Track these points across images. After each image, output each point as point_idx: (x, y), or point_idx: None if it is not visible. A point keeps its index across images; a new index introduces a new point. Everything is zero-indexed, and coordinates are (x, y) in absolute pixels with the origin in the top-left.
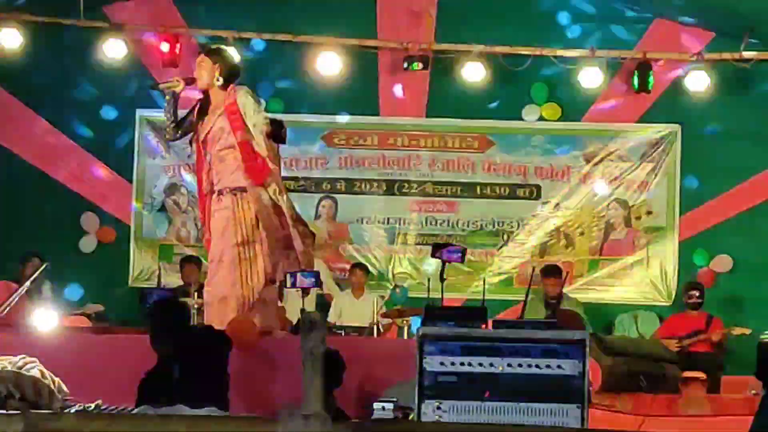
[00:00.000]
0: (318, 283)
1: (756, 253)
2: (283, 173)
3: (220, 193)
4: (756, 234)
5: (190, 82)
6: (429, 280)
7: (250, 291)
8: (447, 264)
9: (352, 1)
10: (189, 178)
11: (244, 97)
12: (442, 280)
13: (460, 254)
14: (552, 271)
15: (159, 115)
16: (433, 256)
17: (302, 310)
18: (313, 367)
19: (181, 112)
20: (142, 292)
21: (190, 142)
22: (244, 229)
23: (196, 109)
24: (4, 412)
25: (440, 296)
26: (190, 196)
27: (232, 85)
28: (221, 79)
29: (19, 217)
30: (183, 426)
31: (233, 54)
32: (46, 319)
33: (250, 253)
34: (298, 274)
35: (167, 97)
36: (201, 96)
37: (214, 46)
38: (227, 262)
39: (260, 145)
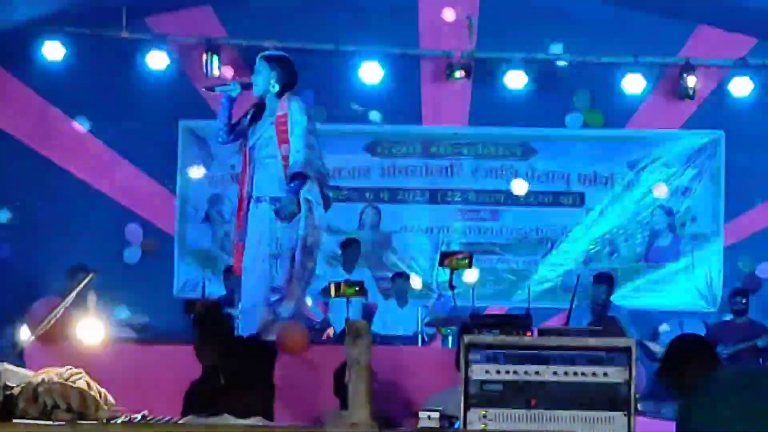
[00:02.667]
0: (363, 292)
1: None
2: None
3: (258, 200)
4: None
5: (246, 86)
6: (473, 288)
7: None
8: (455, 272)
9: (394, 10)
10: (233, 188)
11: (296, 112)
12: (452, 287)
13: (467, 260)
14: (604, 278)
15: (202, 125)
16: (440, 265)
17: (347, 319)
18: (358, 375)
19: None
20: (187, 302)
21: (240, 147)
22: (278, 239)
23: (249, 114)
24: (51, 422)
25: (454, 303)
26: (234, 206)
27: (286, 95)
28: (277, 86)
29: (63, 230)
30: None
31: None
32: (91, 330)
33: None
34: (343, 283)
35: (222, 101)
36: (257, 101)
37: (273, 53)
38: (258, 271)
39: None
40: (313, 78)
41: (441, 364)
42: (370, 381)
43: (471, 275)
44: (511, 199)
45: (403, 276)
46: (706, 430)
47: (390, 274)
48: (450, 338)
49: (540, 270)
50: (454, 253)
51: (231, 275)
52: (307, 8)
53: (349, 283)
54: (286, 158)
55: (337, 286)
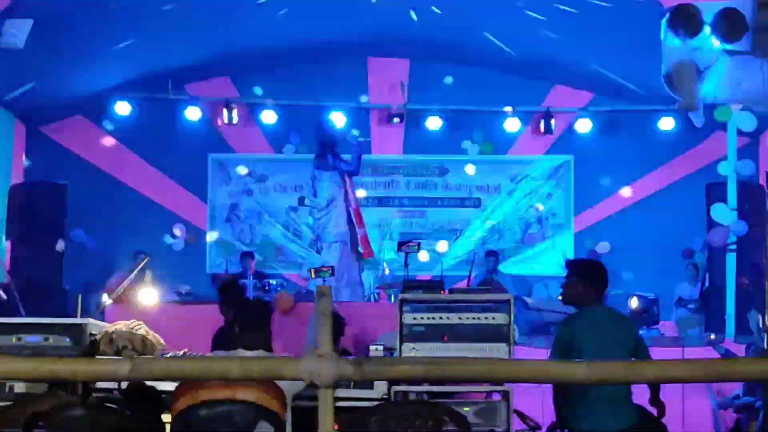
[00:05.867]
0: (333, 273)
1: (624, 239)
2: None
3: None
4: (624, 227)
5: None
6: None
7: None
8: (408, 254)
9: (352, 77)
10: (246, 199)
11: None
12: (406, 265)
13: (417, 246)
14: (492, 252)
15: (224, 157)
16: (398, 250)
17: (317, 286)
18: (324, 323)
19: None
20: (214, 276)
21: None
22: None
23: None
24: (119, 357)
25: (408, 274)
26: (246, 211)
27: None
28: None
29: (134, 230)
30: (236, 364)
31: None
32: (148, 295)
33: None
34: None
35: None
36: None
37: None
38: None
39: None
40: (299, 124)
41: (386, 314)
42: (332, 326)
43: (423, 255)
44: (433, 203)
45: None
46: (565, 339)
47: None
48: (393, 297)
49: (452, 250)
50: (408, 241)
51: (244, 257)
52: (292, 77)
53: (323, 268)
54: None
55: (316, 270)
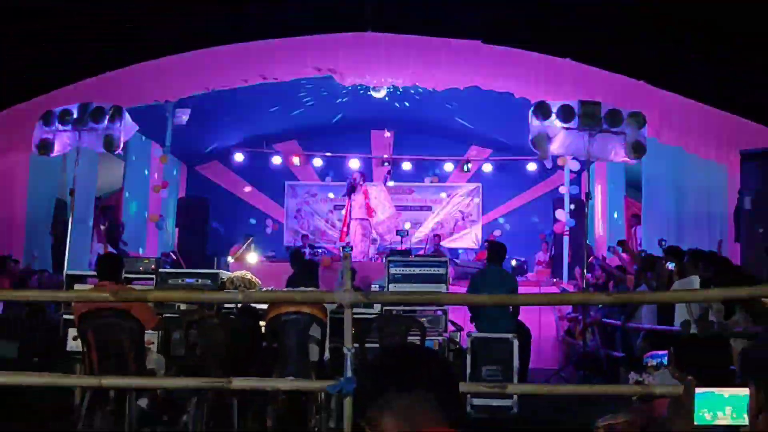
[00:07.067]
0: (351, 249)
1: (514, 226)
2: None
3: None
4: (508, 222)
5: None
6: (402, 240)
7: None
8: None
9: (361, 141)
10: (304, 205)
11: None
12: (402, 242)
13: (406, 232)
14: (436, 236)
15: (293, 182)
16: (396, 234)
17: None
18: (347, 273)
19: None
20: (288, 247)
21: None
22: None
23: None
24: (236, 290)
25: (404, 247)
26: (305, 212)
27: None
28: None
29: (244, 222)
30: (300, 294)
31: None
32: (253, 258)
33: None
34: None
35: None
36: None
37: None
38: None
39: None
40: (334, 166)
41: (380, 268)
42: (352, 275)
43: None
44: (406, 209)
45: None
46: (476, 282)
47: None
48: (384, 259)
49: (415, 235)
50: (402, 230)
51: (304, 238)
52: (330, 139)
53: (347, 245)
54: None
55: (343, 246)
